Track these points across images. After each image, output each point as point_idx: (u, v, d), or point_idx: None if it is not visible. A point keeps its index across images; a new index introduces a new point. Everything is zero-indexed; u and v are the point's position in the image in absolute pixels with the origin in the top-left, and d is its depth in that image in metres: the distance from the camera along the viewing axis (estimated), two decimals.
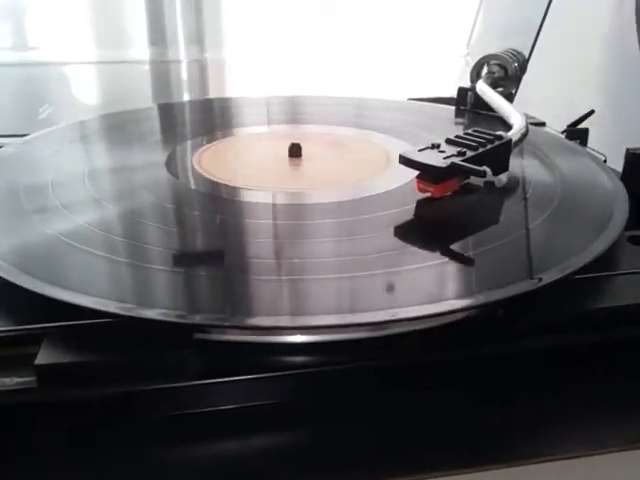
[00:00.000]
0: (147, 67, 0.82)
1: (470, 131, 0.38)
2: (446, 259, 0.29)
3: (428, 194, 0.35)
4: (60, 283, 0.25)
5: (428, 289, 0.27)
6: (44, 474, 0.22)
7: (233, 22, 0.83)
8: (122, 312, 0.24)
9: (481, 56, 0.57)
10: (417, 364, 0.25)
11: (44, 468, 0.22)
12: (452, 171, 0.34)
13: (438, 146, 0.36)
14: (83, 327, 0.23)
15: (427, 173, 0.35)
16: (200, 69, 0.83)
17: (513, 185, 0.37)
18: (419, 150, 0.36)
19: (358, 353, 0.25)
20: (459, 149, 0.35)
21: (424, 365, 0.25)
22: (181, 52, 0.82)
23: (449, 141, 0.37)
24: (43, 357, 0.22)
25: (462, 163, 0.34)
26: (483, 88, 0.52)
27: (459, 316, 0.26)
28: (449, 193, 0.35)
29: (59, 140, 0.45)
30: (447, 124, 0.52)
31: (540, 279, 0.26)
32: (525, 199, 0.36)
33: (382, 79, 0.80)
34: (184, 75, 0.83)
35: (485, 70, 0.56)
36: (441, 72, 0.84)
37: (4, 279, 0.26)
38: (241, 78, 0.84)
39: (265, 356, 0.24)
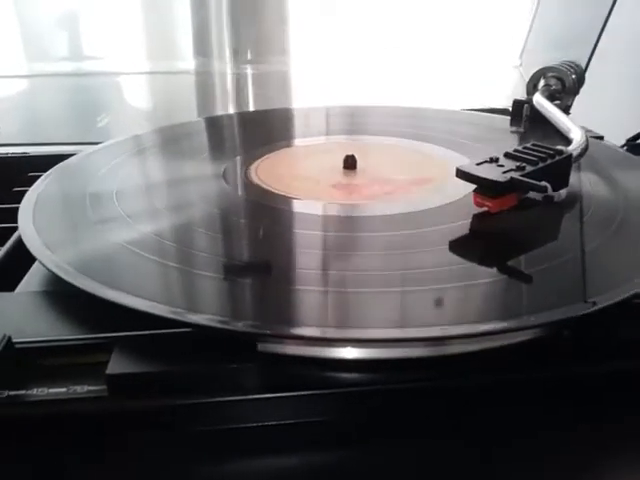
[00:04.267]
0: (193, 77, 0.84)
1: (529, 145, 0.37)
2: (504, 276, 0.29)
3: (485, 208, 0.34)
4: (132, 291, 0.26)
5: (486, 306, 0.27)
6: None
7: (279, 34, 0.84)
8: (178, 318, 0.24)
9: (537, 68, 0.56)
10: (477, 385, 0.25)
11: (114, 476, 0.22)
12: (511, 186, 0.34)
13: (497, 160, 0.36)
14: (153, 337, 0.24)
15: (485, 187, 0.34)
16: (245, 80, 0.85)
17: (573, 201, 0.36)
18: (477, 164, 0.35)
19: (416, 372, 0.24)
20: (518, 163, 0.35)
21: (485, 387, 0.25)
22: (227, 63, 0.84)
23: (508, 155, 0.36)
24: (114, 367, 0.22)
25: (522, 178, 0.33)
26: (540, 101, 0.51)
27: (522, 337, 0.25)
28: (506, 208, 0.35)
29: (119, 153, 0.46)
30: (503, 136, 0.51)
31: (603, 299, 0.25)
32: (585, 216, 0.35)
33: (434, 90, 0.79)
34: (229, 85, 0.85)
35: (542, 83, 0.55)
36: (493, 83, 0.83)
37: (76, 287, 0.26)
38: (287, 88, 0.85)
39: (323, 372, 0.24)
